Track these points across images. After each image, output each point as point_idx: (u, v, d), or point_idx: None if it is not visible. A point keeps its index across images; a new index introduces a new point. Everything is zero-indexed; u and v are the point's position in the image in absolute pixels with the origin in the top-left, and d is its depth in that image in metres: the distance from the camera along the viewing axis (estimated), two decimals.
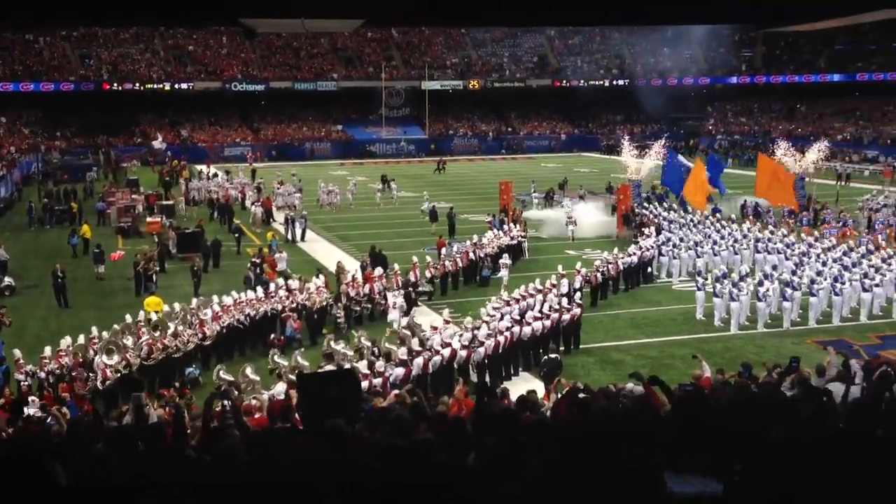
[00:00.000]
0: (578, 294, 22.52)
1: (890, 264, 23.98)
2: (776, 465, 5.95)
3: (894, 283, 22.99)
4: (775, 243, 28.03)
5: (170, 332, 19.01)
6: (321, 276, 23.84)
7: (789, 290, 22.29)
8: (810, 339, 20.98)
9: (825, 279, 22.78)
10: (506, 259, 26.66)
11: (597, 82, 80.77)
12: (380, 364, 16.05)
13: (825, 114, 68.55)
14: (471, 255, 27.41)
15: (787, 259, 26.24)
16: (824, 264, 24.36)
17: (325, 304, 22.17)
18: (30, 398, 14.26)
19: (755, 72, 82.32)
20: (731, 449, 6.00)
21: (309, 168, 60.92)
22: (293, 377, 14.27)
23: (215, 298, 21.64)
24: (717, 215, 34.03)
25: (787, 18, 8.28)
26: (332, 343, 17.94)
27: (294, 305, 21.88)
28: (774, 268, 24.86)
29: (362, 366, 15.50)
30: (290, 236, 35.11)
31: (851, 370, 11.35)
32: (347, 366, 15.15)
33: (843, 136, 67.58)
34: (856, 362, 11.65)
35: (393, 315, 21.87)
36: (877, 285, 22.85)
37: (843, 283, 22.61)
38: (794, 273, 23.62)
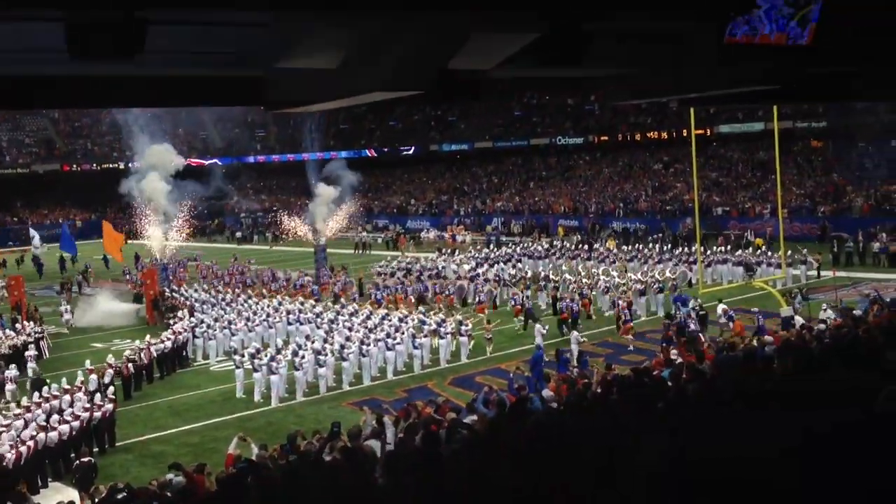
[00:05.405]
0: (111, 389, 21.14)
1: (407, 323, 26.20)
2: None
3: (411, 340, 25.14)
4: (306, 314, 29.13)
5: None
6: None
7: (322, 357, 23.23)
8: (346, 401, 21.96)
9: (353, 343, 24.15)
10: (13, 370, 24.13)
11: (111, 165, 77.50)
12: None
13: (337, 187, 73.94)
14: None
15: (318, 328, 27.38)
16: (351, 329, 25.86)
17: None
18: None
19: (271, 151, 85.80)
20: None
21: None
22: None
23: None
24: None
25: (291, 102, 8.66)
26: None
27: None
28: (307, 337, 25.79)
29: None
30: None
31: (384, 425, 12.10)
32: None
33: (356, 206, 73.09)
34: (387, 418, 12.44)
35: None
36: (398, 343, 24.81)
37: (368, 345, 24.16)
38: (325, 341, 24.70)
